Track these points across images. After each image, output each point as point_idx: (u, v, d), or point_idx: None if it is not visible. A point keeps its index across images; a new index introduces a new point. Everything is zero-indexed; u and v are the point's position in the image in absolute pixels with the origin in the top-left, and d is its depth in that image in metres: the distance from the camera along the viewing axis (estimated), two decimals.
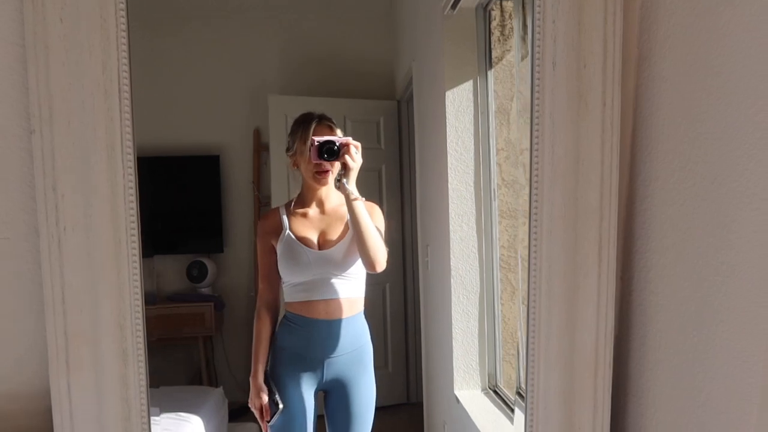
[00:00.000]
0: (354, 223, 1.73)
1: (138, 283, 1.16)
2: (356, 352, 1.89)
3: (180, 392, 2.81)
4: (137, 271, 1.15)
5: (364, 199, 1.76)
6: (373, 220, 1.78)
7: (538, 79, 1.18)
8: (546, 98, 1.18)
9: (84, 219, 1.12)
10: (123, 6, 1.11)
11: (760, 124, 0.92)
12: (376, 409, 1.99)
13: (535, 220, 1.22)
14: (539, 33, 1.17)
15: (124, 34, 1.07)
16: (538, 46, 1.18)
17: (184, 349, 3.66)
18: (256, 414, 1.85)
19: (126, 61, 1.09)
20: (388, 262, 1.80)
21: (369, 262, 1.75)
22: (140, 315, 1.16)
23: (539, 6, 1.19)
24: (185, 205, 3.76)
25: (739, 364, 0.98)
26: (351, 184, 1.71)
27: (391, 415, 3.40)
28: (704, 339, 1.06)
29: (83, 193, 1.12)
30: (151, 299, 3.53)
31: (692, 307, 1.09)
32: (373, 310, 1.93)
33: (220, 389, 2.96)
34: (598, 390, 1.25)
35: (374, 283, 1.91)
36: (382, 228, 1.85)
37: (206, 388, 3.08)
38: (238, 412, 3.12)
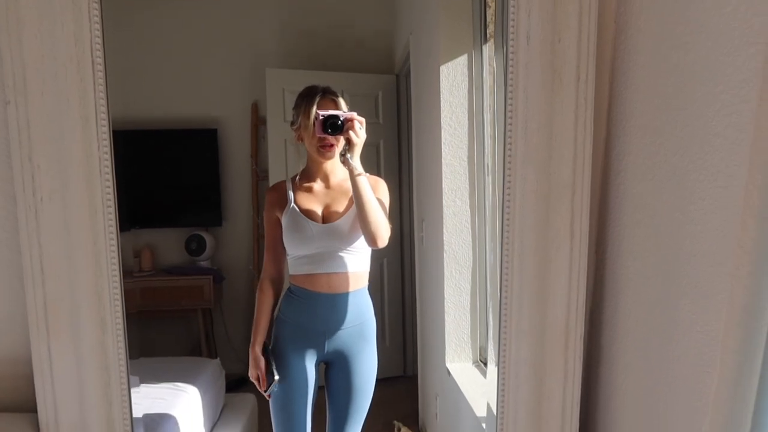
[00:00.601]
0: (357, 198, 1.73)
1: (115, 253, 1.18)
2: (359, 327, 1.89)
3: (177, 363, 2.84)
4: (114, 240, 1.17)
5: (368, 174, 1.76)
6: (377, 194, 1.78)
7: (512, 53, 1.18)
8: (520, 72, 1.18)
9: (60, 189, 1.14)
10: None
11: (725, 102, 0.91)
12: None
13: (508, 195, 1.22)
14: (513, 6, 1.16)
15: (96, 6, 1.07)
16: (513, 20, 1.16)
17: (183, 321, 3.70)
18: (256, 383, 1.88)
19: (99, 33, 1.09)
20: None
21: (370, 238, 1.76)
22: (118, 284, 1.18)
23: None
24: (183, 179, 3.78)
25: (700, 337, 0.99)
26: (355, 160, 1.71)
27: (388, 387, 3.43)
28: (669, 312, 1.07)
29: (59, 164, 1.13)
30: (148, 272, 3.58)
31: (658, 281, 1.10)
32: (371, 284, 1.94)
33: (217, 360, 3.00)
34: (568, 361, 1.27)
35: (372, 258, 1.93)
36: (387, 203, 1.85)
37: (203, 359, 3.11)
38: (237, 383, 3.18)
